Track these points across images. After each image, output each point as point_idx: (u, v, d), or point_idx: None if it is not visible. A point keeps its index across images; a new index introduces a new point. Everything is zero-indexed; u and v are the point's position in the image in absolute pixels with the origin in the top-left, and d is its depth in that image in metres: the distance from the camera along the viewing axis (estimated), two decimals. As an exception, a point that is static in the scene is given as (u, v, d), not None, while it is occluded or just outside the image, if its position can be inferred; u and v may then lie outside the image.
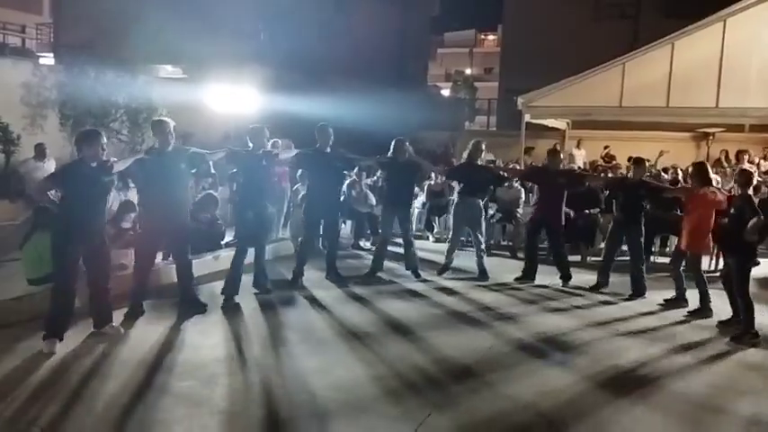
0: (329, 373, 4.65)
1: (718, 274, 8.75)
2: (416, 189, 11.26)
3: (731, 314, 6.12)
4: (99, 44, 14.84)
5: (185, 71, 17.29)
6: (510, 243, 10.34)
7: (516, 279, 7.89)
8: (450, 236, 8.61)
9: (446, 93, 32.74)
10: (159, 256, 6.47)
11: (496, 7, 26.03)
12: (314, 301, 6.67)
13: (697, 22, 12.63)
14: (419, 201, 11.45)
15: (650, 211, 8.37)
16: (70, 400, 4.07)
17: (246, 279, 6.68)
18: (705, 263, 9.00)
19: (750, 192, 6.00)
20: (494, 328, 5.92)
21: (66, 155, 9.45)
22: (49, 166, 10.05)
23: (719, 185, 9.61)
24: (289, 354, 5.04)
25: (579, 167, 13.66)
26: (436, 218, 11.16)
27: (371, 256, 8.08)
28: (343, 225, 10.82)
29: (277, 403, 4.13)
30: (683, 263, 6.88)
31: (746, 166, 12.57)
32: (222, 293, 6.37)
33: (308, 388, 4.35)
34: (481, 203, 7.98)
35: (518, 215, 10.19)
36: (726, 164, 14.31)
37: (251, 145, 6.55)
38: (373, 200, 10.29)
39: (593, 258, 9.38)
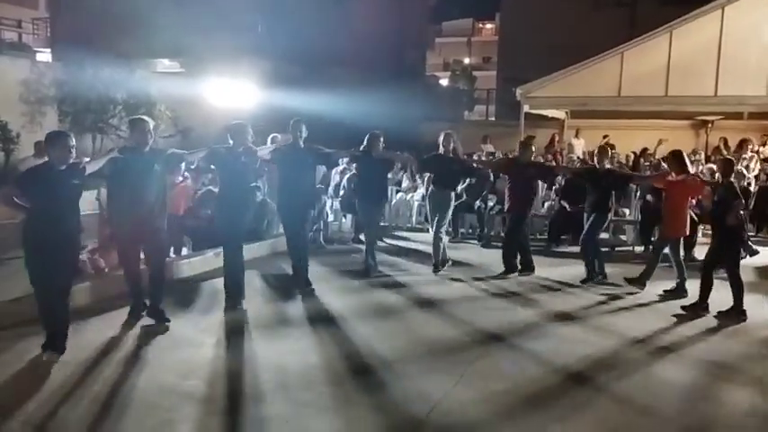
0: (333, 367, 4.70)
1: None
2: (418, 181, 11.34)
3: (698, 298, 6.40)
4: (96, 39, 14.84)
5: (183, 65, 17.30)
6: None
7: (519, 272, 7.88)
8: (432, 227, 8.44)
9: (444, 83, 32.68)
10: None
11: (494, -4, 25.97)
12: (316, 296, 6.69)
13: (695, 9, 12.62)
14: (419, 193, 11.47)
15: (652, 204, 8.43)
16: (75, 400, 4.10)
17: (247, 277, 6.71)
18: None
19: (732, 180, 6.36)
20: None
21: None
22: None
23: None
24: (292, 350, 5.06)
25: (578, 157, 13.70)
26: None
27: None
28: (343, 219, 10.88)
29: (282, 401, 4.16)
30: (668, 248, 7.09)
31: (749, 154, 12.62)
32: (226, 296, 6.20)
33: (311, 384, 4.39)
34: (452, 194, 7.93)
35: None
36: (725, 151, 14.30)
37: (231, 142, 6.20)
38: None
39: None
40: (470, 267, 8.24)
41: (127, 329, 5.45)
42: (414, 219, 11.53)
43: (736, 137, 14.17)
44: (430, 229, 10.78)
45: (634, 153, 13.30)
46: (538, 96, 13.97)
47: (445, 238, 8.08)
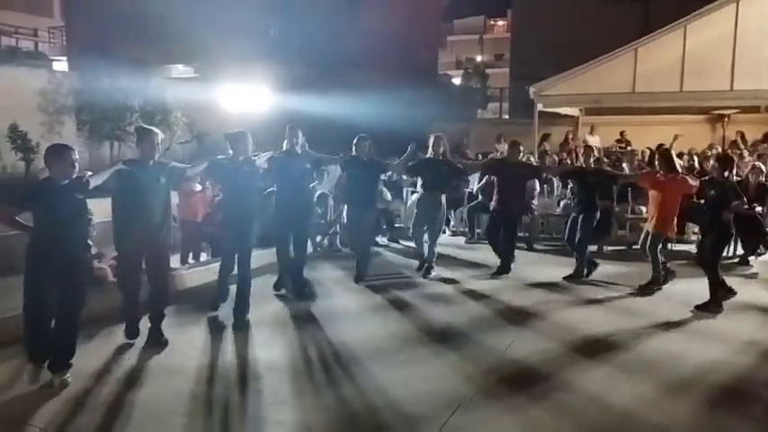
0: (352, 379, 4.71)
1: (737, 260, 8.85)
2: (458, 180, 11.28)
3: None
4: (111, 46, 15.01)
5: (197, 70, 17.42)
6: (526, 235, 10.36)
7: (492, 275, 7.90)
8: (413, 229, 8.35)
9: (457, 81, 32.60)
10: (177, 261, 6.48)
11: (505, -8, 25.89)
12: (336, 305, 6.70)
13: (709, 4, 12.52)
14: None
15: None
16: (90, 407, 4.16)
17: (267, 281, 6.77)
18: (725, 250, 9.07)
19: (731, 176, 6.54)
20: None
21: (84, 159, 9.58)
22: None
23: (737, 167, 9.65)
24: (315, 359, 5.12)
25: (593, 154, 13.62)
26: (452, 211, 11.19)
27: (386, 252, 8.10)
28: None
29: (304, 408, 4.21)
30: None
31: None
32: (213, 303, 6.27)
33: (336, 393, 4.43)
34: (443, 198, 7.88)
35: (533, 207, 10.21)
36: (742, 145, 14.18)
37: (230, 152, 6.04)
38: (389, 195, 10.36)
39: (610, 248, 9.43)
40: (487, 268, 8.22)
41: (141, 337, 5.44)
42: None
43: (754, 130, 14.05)
44: (446, 230, 10.88)
45: (650, 149, 13.21)
46: (551, 94, 13.92)
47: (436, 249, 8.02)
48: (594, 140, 15.58)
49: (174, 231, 8.03)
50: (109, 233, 5.54)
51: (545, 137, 15.40)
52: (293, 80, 15.39)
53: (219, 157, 6.13)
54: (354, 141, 7.45)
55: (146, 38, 15.86)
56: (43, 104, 11.70)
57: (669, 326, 5.95)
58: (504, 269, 7.92)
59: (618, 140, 15.21)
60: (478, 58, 38.48)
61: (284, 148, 6.87)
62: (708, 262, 6.46)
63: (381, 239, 10.15)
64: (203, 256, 8.28)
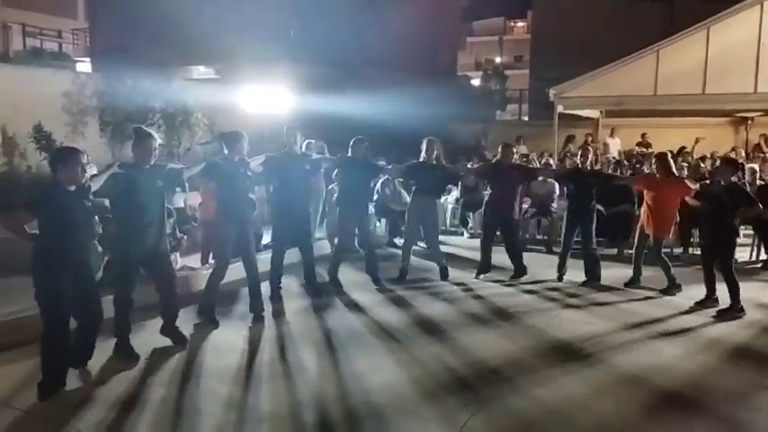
0: (370, 376, 4.75)
1: (760, 265, 8.76)
2: (450, 185, 11.32)
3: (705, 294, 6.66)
4: (133, 47, 15.17)
5: (218, 72, 17.56)
6: (545, 237, 10.33)
7: (511, 278, 7.89)
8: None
9: (476, 82, 32.50)
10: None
11: (525, -7, 25.77)
12: (351, 303, 6.78)
13: (733, 5, 12.38)
14: (452, 196, 11.50)
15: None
16: (120, 407, 4.22)
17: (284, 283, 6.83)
18: (746, 254, 8.98)
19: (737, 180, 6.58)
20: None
21: (108, 159, 9.70)
22: (91, 171, 10.31)
23: (760, 171, 9.59)
24: (331, 357, 5.17)
25: (614, 157, 13.54)
26: (471, 213, 11.18)
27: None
28: (378, 223, 10.94)
29: (322, 407, 4.24)
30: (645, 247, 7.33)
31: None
32: (198, 312, 6.08)
33: (353, 392, 4.47)
34: (437, 202, 7.80)
35: (552, 209, 10.18)
36: (766, 148, 14.03)
37: (226, 152, 6.02)
38: (407, 198, 10.34)
39: (629, 251, 9.34)
40: (503, 271, 8.19)
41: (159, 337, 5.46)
42: (447, 222, 11.56)
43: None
44: (465, 233, 10.88)
45: (671, 152, 13.09)
46: (572, 96, 13.84)
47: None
48: (615, 143, 15.50)
49: (195, 231, 8.19)
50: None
51: (569, 138, 15.33)
52: (313, 80, 15.45)
53: (216, 157, 6.23)
54: (351, 143, 7.46)
55: (167, 39, 16.01)
56: (67, 106, 11.82)
57: (677, 333, 5.88)
58: (519, 272, 7.89)
59: (639, 143, 15.10)
60: (498, 60, 38.32)
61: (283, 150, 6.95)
62: (722, 264, 6.40)
63: (400, 242, 10.13)
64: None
